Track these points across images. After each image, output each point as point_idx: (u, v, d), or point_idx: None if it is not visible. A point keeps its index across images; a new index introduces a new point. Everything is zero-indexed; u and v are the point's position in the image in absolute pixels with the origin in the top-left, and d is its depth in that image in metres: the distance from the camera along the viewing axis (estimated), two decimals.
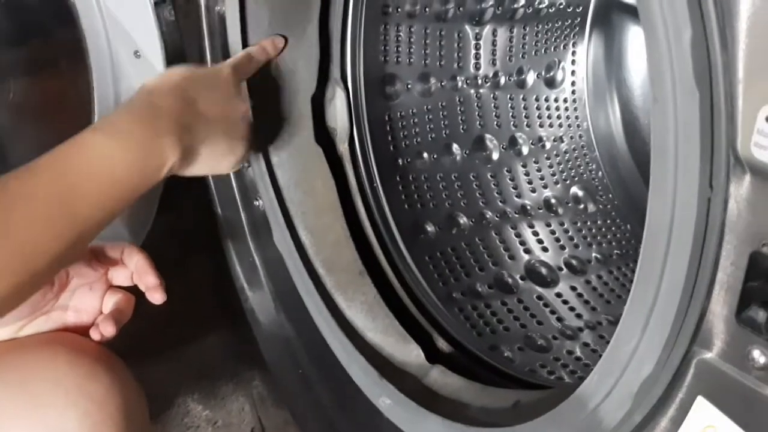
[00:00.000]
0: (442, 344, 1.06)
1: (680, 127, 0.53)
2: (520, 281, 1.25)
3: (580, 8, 1.34)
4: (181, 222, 1.36)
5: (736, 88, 0.49)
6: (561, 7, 1.32)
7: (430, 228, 1.23)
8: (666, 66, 0.52)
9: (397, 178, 1.22)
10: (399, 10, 1.19)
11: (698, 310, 0.57)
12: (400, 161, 1.23)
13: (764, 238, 0.51)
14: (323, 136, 1.13)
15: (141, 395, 0.84)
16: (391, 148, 1.23)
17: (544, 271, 1.27)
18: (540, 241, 1.30)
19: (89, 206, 0.72)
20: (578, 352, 1.11)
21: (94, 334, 0.84)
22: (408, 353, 1.00)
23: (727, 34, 0.49)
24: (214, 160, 0.88)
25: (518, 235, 1.30)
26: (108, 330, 0.83)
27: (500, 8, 1.27)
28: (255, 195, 1.15)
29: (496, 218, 1.30)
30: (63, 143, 0.73)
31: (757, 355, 0.54)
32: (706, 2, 0.49)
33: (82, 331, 0.86)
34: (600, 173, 1.41)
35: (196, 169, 0.86)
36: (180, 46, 1.11)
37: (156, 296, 0.87)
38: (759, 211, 0.51)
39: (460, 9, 1.24)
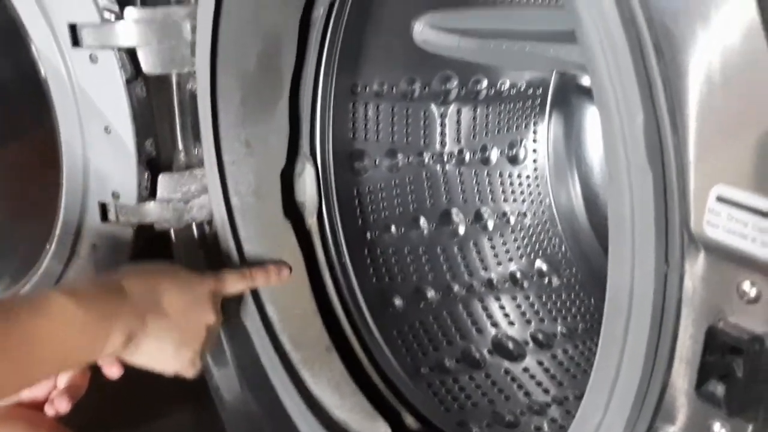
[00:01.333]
0: (410, 421, 1.04)
1: (635, 204, 0.55)
2: (487, 355, 1.25)
3: (540, 90, 1.40)
4: None
5: (687, 168, 0.52)
6: (522, 89, 1.38)
7: (397, 302, 1.24)
8: (620, 147, 0.54)
9: (365, 252, 1.23)
10: (367, 89, 1.22)
11: (659, 385, 0.58)
12: (368, 235, 1.25)
13: (720, 313, 0.53)
14: (292, 210, 1.14)
15: None
16: (360, 222, 1.24)
17: (511, 345, 1.28)
18: (506, 315, 1.31)
19: (43, 365, 0.77)
20: (546, 429, 1.11)
21: (49, 410, 0.85)
22: (376, 431, 0.99)
23: (677, 118, 0.52)
24: (157, 358, 0.89)
25: (485, 309, 1.31)
26: (62, 405, 0.85)
27: (464, 89, 1.32)
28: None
29: (463, 292, 1.31)
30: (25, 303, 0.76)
31: (718, 428, 0.55)
32: (657, 89, 0.52)
33: (38, 406, 0.86)
34: (563, 247, 1.44)
35: (138, 360, 0.88)
36: (150, 123, 1.12)
37: (113, 370, 0.87)
38: (714, 287, 0.53)
39: (426, 89, 1.28)
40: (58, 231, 1.17)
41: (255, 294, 1.08)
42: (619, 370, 0.58)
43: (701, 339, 0.54)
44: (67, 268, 1.18)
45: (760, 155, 0.48)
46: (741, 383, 0.51)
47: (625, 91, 0.53)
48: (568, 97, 1.40)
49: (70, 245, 1.16)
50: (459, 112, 1.34)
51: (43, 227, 1.19)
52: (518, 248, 1.40)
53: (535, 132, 1.42)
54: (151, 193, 1.13)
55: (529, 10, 1.25)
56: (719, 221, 0.51)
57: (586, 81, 1.37)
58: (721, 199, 0.51)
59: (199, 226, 1.16)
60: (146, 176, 1.12)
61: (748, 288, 0.51)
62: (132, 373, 0.88)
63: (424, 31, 1.19)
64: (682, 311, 0.55)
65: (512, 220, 1.41)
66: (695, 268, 0.54)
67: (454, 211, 1.36)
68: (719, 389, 0.53)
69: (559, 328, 1.33)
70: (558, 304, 1.36)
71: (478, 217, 1.38)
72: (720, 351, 0.53)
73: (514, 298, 1.34)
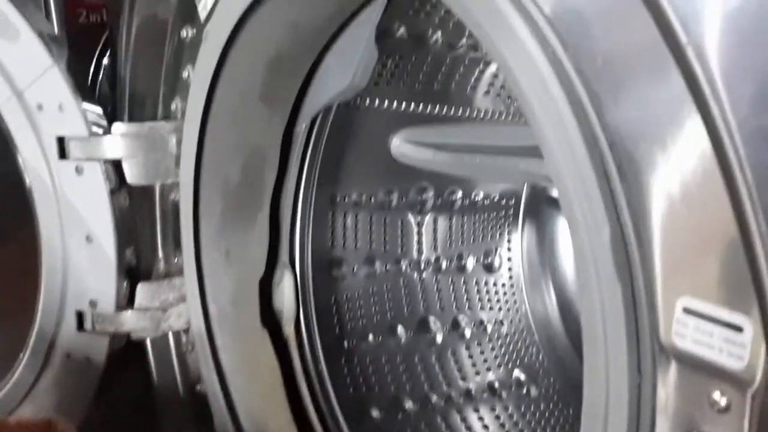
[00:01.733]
0: None
1: (607, 316, 0.57)
2: None
3: (513, 200, 1.45)
4: (119, 407, 1.31)
5: (654, 281, 0.55)
6: (495, 199, 1.42)
7: (375, 413, 1.22)
8: (589, 260, 0.57)
9: (343, 361, 1.23)
10: (346, 199, 1.26)
11: None
12: (345, 343, 1.25)
13: (693, 423, 0.54)
14: (270, 318, 1.14)
15: None
16: (337, 330, 1.24)
17: None
18: (486, 427, 1.30)
19: None
20: None
21: None
22: None
23: (641, 233, 0.55)
24: None
25: (464, 420, 1.29)
26: None
27: (440, 200, 1.36)
28: (197, 379, 1.13)
29: (442, 403, 1.30)
30: None
31: None
32: (621, 207, 0.55)
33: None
34: (540, 356, 1.44)
35: None
36: (132, 232, 1.14)
37: None
38: (686, 397, 0.55)
39: (403, 199, 1.32)
40: (32, 340, 1.16)
41: (230, 406, 1.07)
42: None
43: None
44: (39, 377, 1.16)
45: (720, 269, 0.51)
46: None
47: (591, 208, 0.56)
48: (540, 207, 1.45)
49: (44, 354, 1.15)
50: (435, 221, 1.37)
51: (18, 336, 1.18)
52: (496, 357, 1.40)
53: (509, 241, 1.46)
54: (129, 302, 1.13)
55: (500, 127, 1.31)
56: (687, 332, 0.53)
57: (556, 193, 1.43)
58: (687, 311, 0.53)
59: (176, 335, 1.16)
60: (125, 285, 1.12)
61: (719, 397, 0.52)
62: None
63: (401, 145, 1.25)
64: (657, 421, 0.56)
65: (489, 328, 1.42)
66: (667, 378, 0.55)
67: (432, 319, 1.37)
68: None
69: None
70: (537, 415, 1.35)
71: (455, 325, 1.39)
72: None
73: (492, 409, 1.33)
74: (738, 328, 0.51)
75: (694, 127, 0.49)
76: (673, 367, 0.55)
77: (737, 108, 0.47)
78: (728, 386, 0.52)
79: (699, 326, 0.53)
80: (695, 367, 0.54)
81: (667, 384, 0.55)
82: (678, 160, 0.52)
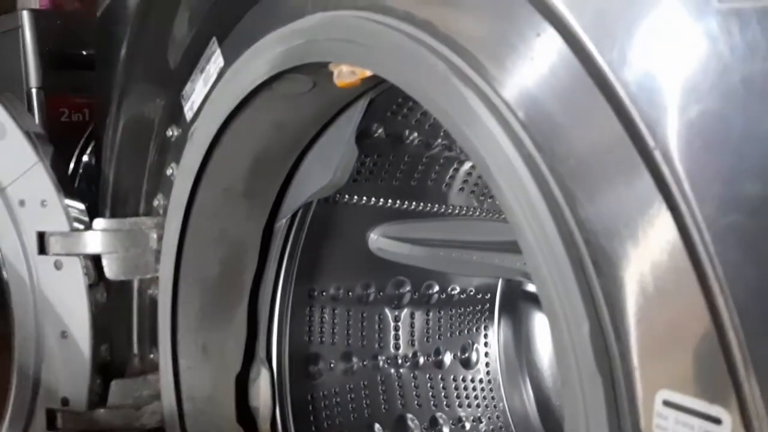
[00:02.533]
0: None
1: (588, 409, 0.58)
2: None
3: (488, 295, 1.46)
4: None
5: (633, 374, 0.56)
6: (471, 293, 1.44)
7: None
8: (570, 353, 0.58)
9: None
10: (324, 293, 1.27)
11: None
12: None
13: None
14: (245, 416, 1.12)
15: None
16: (313, 429, 1.22)
17: None
18: None
19: None
20: None
21: None
22: None
23: (619, 326, 0.56)
24: None
25: None
26: None
27: (417, 294, 1.37)
28: None
29: None
30: None
31: None
32: (599, 301, 0.57)
33: None
34: None
35: None
36: (107, 327, 1.13)
37: None
38: None
39: (380, 294, 1.33)
40: None
41: None
42: None
43: None
44: None
45: (696, 362, 0.53)
46: None
47: (570, 303, 0.58)
48: (516, 302, 1.47)
49: None
50: (412, 315, 1.38)
51: None
52: None
53: (485, 336, 1.46)
54: (102, 400, 1.10)
55: (476, 222, 1.35)
56: (668, 425, 0.54)
57: (531, 287, 1.45)
58: (667, 404, 0.54)
59: None
60: (98, 382, 1.10)
61: None
62: None
63: (378, 240, 1.27)
64: None
65: (468, 426, 1.40)
66: None
67: (409, 416, 1.36)
68: None
69: None
70: None
71: (433, 423, 1.37)
72: None
73: None
74: (717, 420, 0.52)
75: (664, 225, 0.52)
76: None
77: (705, 206, 0.50)
78: None
79: (679, 419, 0.54)
80: None
81: None
82: (651, 255, 0.54)
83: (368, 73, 0.79)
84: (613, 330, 0.57)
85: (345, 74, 0.81)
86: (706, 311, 0.51)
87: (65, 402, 1.09)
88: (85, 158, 1.99)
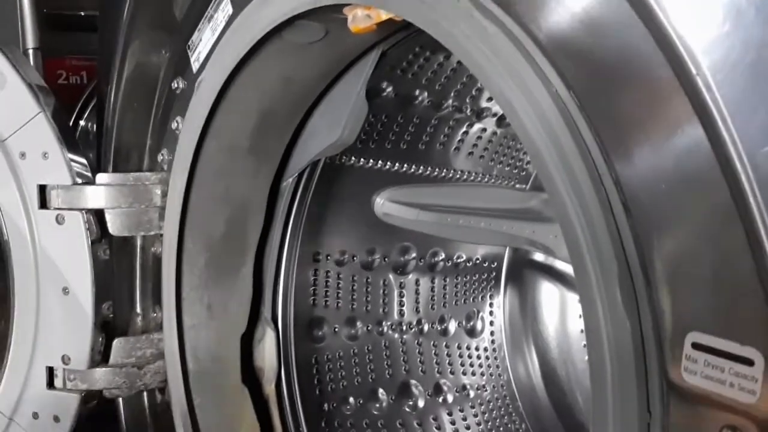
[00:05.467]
0: None
1: (614, 357, 0.56)
2: None
3: (495, 264, 1.45)
4: None
5: (661, 317, 0.54)
6: (477, 262, 1.42)
7: None
8: (596, 298, 0.57)
9: (323, 425, 1.18)
10: (329, 257, 1.25)
11: None
12: (325, 406, 1.21)
13: None
14: (250, 376, 1.11)
15: None
16: (318, 392, 1.21)
17: None
18: None
19: None
20: None
21: None
22: None
23: (648, 268, 0.55)
24: None
25: None
26: None
27: (422, 261, 1.35)
28: None
29: None
30: None
31: None
32: (628, 243, 0.55)
33: None
34: (524, 425, 1.41)
35: None
36: (110, 285, 1.11)
37: None
38: None
39: (385, 259, 1.31)
40: None
41: None
42: None
43: None
44: None
45: (730, 303, 0.51)
46: None
47: (598, 246, 0.56)
48: (522, 271, 1.45)
49: (9, 413, 1.09)
50: (417, 282, 1.36)
51: None
52: (479, 423, 1.37)
53: (491, 305, 1.45)
54: (104, 358, 1.08)
55: (484, 189, 1.33)
56: (697, 368, 0.52)
57: (539, 257, 1.43)
58: (696, 346, 0.52)
59: (150, 393, 1.11)
60: (100, 340, 1.08)
61: None
62: None
63: (385, 204, 1.25)
64: None
65: (471, 393, 1.39)
66: (677, 415, 0.54)
67: (413, 382, 1.34)
68: None
69: None
70: None
71: (437, 389, 1.36)
72: None
73: None
74: (749, 362, 0.50)
75: (703, 158, 0.50)
76: (682, 404, 0.54)
77: (746, 137, 0.47)
78: (740, 420, 0.51)
79: (709, 361, 0.52)
80: (705, 403, 0.53)
81: (677, 422, 0.54)
82: (686, 192, 0.52)
83: (384, 16, 0.77)
84: (642, 272, 0.55)
85: (360, 18, 0.79)
86: (747, 249, 0.49)
87: (66, 360, 1.07)
88: (81, 123, 1.97)
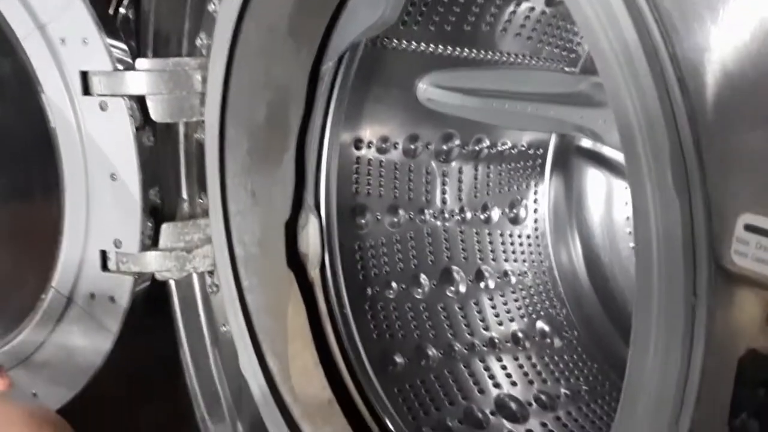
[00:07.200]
0: None
1: (661, 237, 0.55)
2: (490, 416, 1.21)
3: (541, 150, 1.42)
4: (141, 352, 1.31)
5: (714, 198, 0.52)
6: (522, 149, 1.39)
7: (399, 359, 1.21)
8: (646, 179, 0.55)
9: (367, 307, 1.21)
10: (371, 144, 1.23)
11: (688, 423, 0.56)
12: (369, 290, 1.23)
13: (750, 345, 0.52)
14: (295, 261, 1.13)
15: None
16: (361, 277, 1.23)
17: (513, 406, 1.24)
18: (509, 375, 1.29)
19: None
20: None
21: None
22: None
23: (701, 148, 0.52)
24: None
25: (487, 369, 1.28)
26: None
27: (466, 148, 1.33)
28: (223, 321, 1.12)
29: (465, 351, 1.29)
30: None
31: None
32: (681, 119, 0.52)
33: None
34: (564, 310, 1.43)
35: None
36: (156, 172, 1.12)
37: None
38: (743, 318, 0.53)
39: (428, 147, 1.30)
40: (55, 280, 1.15)
41: (255, 344, 1.06)
42: (646, 408, 0.57)
43: (732, 373, 0.53)
44: (63, 317, 1.15)
45: None
46: None
47: (650, 125, 0.54)
48: (568, 158, 1.42)
49: (67, 294, 1.14)
50: (460, 170, 1.35)
51: (40, 276, 1.17)
52: (519, 308, 1.38)
53: (535, 192, 1.43)
54: (154, 242, 1.11)
55: (531, 73, 1.28)
56: (748, 250, 0.51)
57: (585, 143, 1.40)
58: (749, 228, 0.51)
59: (200, 276, 1.15)
60: (149, 225, 1.11)
61: None
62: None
63: (428, 89, 1.22)
64: (711, 344, 0.54)
65: (513, 279, 1.40)
66: (724, 298, 0.53)
67: (455, 269, 1.35)
68: (751, 424, 0.52)
69: (562, 389, 1.30)
70: (561, 366, 1.33)
71: (479, 275, 1.37)
72: (752, 384, 0.52)
73: (516, 358, 1.32)
74: None
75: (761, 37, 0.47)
76: (731, 288, 0.53)
77: None
78: None
79: (761, 243, 0.50)
80: (755, 287, 0.51)
81: (724, 305, 0.53)
82: (745, 67, 0.49)
83: None
84: (696, 152, 0.53)
85: None
86: None
87: (118, 244, 1.10)
88: (122, 11, 1.93)
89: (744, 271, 0.51)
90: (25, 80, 1.12)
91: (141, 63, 1.06)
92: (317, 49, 1.08)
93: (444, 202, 1.35)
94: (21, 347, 1.21)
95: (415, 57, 1.18)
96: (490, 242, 1.39)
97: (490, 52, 1.24)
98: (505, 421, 1.21)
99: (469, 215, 1.37)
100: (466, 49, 1.22)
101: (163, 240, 1.11)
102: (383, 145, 1.24)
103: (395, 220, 1.29)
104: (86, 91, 1.06)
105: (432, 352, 1.26)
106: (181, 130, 1.12)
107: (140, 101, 1.06)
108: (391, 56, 1.17)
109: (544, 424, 1.22)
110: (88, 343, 1.14)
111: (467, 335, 1.31)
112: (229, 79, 1.04)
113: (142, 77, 1.05)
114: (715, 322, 0.54)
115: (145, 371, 1.35)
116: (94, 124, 1.07)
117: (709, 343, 0.54)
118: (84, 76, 1.05)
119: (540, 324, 1.38)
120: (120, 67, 1.05)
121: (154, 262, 1.10)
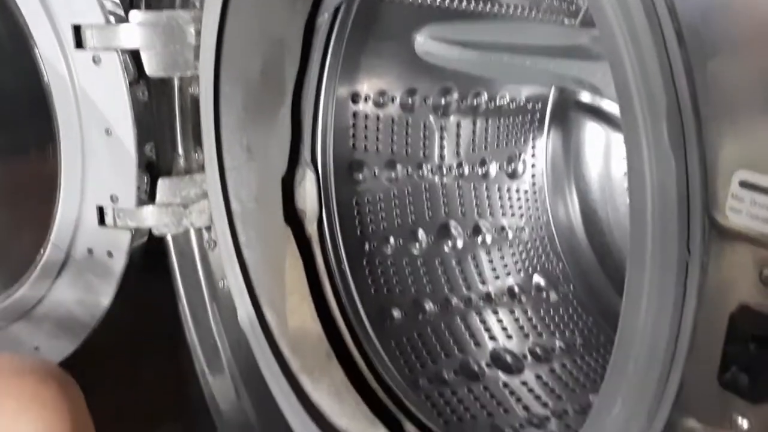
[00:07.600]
0: (410, 428, 1.03)
1: (656, 193, 0.55)
2: (485, 368, 1.23)
3: (539, 105, 1.41)
4: (140, 307, 1.32)
5: (709, 154, 0.52)
6: (521, 103, 1.38)
7: (396, 313, 1.22)
8: (642, 133, 0.54)
9: (364, 262, 1.22)
10: (367, 98, 1.22)
11: (679, 375, 0.57)
12: (366, 246, 1.24)
13: (741, 301, 0.53)
14: (292, 216, 1.13)
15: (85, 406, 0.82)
16: (359, 233, 1.23)
17: (509, 358, 1.26)
18: (504, 329, 1.30)
19: None
20: None
21: None
22: None
23: (699, 101, 0.52)
24: None
25: (483, 322, 1.30)
26: None
27: (464, 102, 1.32)
28: (221, 276, 1.13)
29: (461, 305, 1.30)
30: None
31: (739, 420, 0.54)
32: (678, 73, 0.52)
33: None
34: (561, 264, 1.43)
35: None
36: (151, 126, 1.12)
37: None
38: (736, 274, 0.53)
39: (426, 101, 1.29)
40: (53, 235, 1.15)
41: (253, 298, 1.06)
42: (637, 361, 0.58)
43: (723, 328, 0.54)
44: (61, 272, 1.16)
45: None
46: (765, 370, 0.50)
47: (647, 78, 0.53)
48: (567, 113, 1.41)
49: (65, 249, 1.14)
50: (458, 124, 1.34)
51: (38, 231, 1.17)
52: (516, 263, 1.39)
53: (533, 147, 1.42)
54: (150, 198, 1.11)
55: (530, 25, 1.26)
56: (742, 207, 0.51)
57: (584, 97, 1.38)
58: (744, 184, 0.51)
59: (198, 231, 1.15)
60: (145, 180, 1.11)
61: None
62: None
63: (425, 42, 1.20)
64: (703, 300, 0.54)
65: (510, 234, 1.40)
66: (717, 255, 0.53)
67: (453, 224, 1.36)
68: (742, 378, 0.53)
69: (557, 342, 1.31)
70: (556, 319, 1.35)
71: (476, 230, 1.37)
72: (742, 339, 0.52)
73: (512, 312, 1.33)
74: None
75: None
76: (724, 244, 0.53)
77: None
78: None
79: (756, 200, 0.50)
80: (748, 243, 0.52)
81: (716, 261, 0.54)
82: (748, 20, 0.48)
83: None
84: (692, 106, 0.52)
85: None
86: None
87: (114, 199, 1.10)
88: None
89: (738, 227, 0.52)
90: (17, 36, 1.11)
91: (134, 15, 1.04)
92: (313, 1, 1.06)
93: (442, 156, 1.35)
94: (22, 301, 1.22)
95: (412, 9, 1.16)
96: (488, 197, 1.39)
97: (489, 4, 1.21)
98: (500, 373, 1.23)
99: (466, 170, 1.37)
100: (464, 1, 1.19)
101: (160, 195, 1.11)
102: (380, 99, 1.23)
103: (393, 175, 1.29)
104: (79, 44, 1.05)
105: (429, 306, 1.27)
106: (176, 84, 1.11)
107: (134, 55, 1.05)
108: (388, 8, 1.15)
109: (539, 376, 1.24)
110: (88, 297, 1.15)
111: (464, 290, 1.32)
112: (223, 32, 1.03)
113: (135, 30, 1.03)
114: (708, 278, 0.54)
115: (146, 326, 1.36)
116: (88, 78, 1.06)
117: (701, 297, 0.55)
118: (77, 30, 1.04)
119: (536, 278, 1.39)
120: (112, 20, 1.03)
121: (151, 217, 1.11)
